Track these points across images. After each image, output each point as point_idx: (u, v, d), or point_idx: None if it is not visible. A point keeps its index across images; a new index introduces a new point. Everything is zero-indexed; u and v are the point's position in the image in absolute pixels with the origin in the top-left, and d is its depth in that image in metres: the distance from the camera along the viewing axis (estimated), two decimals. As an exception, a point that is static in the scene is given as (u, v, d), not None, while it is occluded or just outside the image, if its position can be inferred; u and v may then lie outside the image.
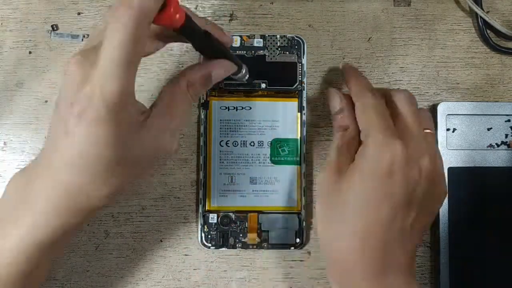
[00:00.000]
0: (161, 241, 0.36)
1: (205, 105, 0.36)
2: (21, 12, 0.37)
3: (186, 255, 0.36)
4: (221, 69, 0.29)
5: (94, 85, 0.22)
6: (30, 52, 0.37)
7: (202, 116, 0.36)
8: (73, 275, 0.36)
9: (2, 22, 0.37)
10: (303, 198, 0.35)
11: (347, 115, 0.32)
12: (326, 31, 0.37)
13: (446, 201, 0.35)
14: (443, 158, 0.35)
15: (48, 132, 0.26)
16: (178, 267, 0.36)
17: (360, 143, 0.31)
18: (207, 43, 0.28)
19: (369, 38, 0.37)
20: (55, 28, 0.37)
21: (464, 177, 0.36)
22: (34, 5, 0.37)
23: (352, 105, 0.32)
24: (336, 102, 0.33)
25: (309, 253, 0.36)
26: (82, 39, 0.37)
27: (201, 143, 0.35)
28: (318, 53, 0.37)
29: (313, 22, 0.37)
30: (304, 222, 0.35)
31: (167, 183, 0.36)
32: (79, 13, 0.37)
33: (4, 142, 0.36)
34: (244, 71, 0.33)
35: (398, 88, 0.34)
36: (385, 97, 0.32)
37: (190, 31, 0.26)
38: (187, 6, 0.37)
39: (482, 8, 0.37)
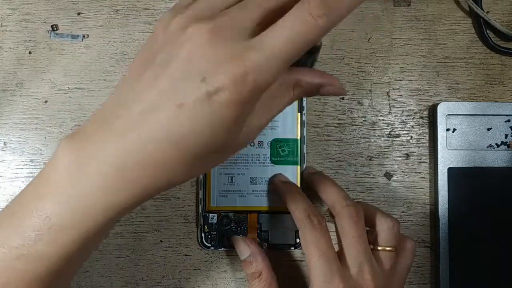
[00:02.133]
0: (161, 241, 0.36)
1: None
2: (21, 12, 0.37)
3: (186, 255, 0.36)
4: (334, 88, 0.25)
5: (248, 71, 0.20)
6: (30, 52, 0.37)
7: None
8: (73, 275, 0.36)
9: (2, 22, 0.37)
10: (303, 198, 0.35)
11: (258, 259, 0.33)
12: (326, 31, 0.37)
13: (446, 201, 0.35)
14: (443, 159, 0.36)
15: (124, 92, 0.23)
16: (178, 267, 0.36)
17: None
18: (315, 57, 0.26)
19: (369, 38, 0.37)
20: (55, 28, 0.37)
21: (464, 177, 0.36)
22: (34, 5, 0.37)
23: (260, 249, 0.33)
24: (244, 249, 0.33)
25: (309, 253, 0.36)
26: (82, 39, 0.37)
27: None
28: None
29: (313, 22, 0.37)
30: None
31: (167, 183, 0.36)
32: (79, 13, 0.37)
33: (4, 142, 0.36)
34: None
35: (383, 216, 0.32)
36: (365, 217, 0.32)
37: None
38: (187, 6, 0.37)
39: (482, 8, 0.37)
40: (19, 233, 0.23)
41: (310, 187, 0.35)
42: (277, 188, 0.34)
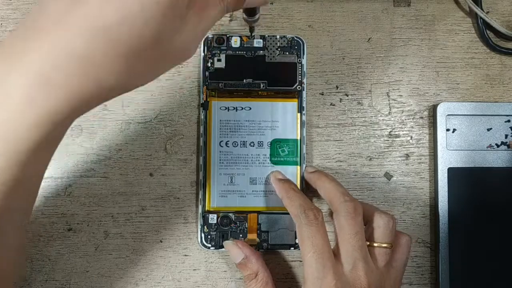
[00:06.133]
0: (160, 241, 0.36)
1: (205, 106, 0.35)
2: (21, 13, 0.37)
3: (185, 255, 0.36)
4: None
5: None
6: (29, 53, 0.37)
7: (202, 117, 0.35)
8: (72, 276, 0.35)
9: (2, 22, 0.37)
10: (303, 199, 0.35)
11: (252, 261, 0.33)
12: (326, 31, 0.37)
13: (446, 201, 0.35)
14: (443, 159, 0.36)
15: None
16: (177, 268, 0.36)
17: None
18: None
19: (369, 38, 0.37)
20: (55, 28, 0.37)
21: (464, 177, 0.36)
22: (33, 6, 0.37)
23: (253, 250, 0.34)
24: (237, 253, 0.34)
25: (309, 253, 0.36)
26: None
27: (201, 144, 0.35)
28: (318, 53, 0.37)
29: (313, 22, 0.37)
30: None
31: (166, 183, 0.36)
32: (78, 13, 0.37)
33: None
34: (259, 14, 0.30)
35: (379, 212, 0.32)
36: (364, 213, 0.32)
37: None
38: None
39: (482, 9, 0.37)
40: None
41: (309, 186, 0.35)
42: (274, 186, 0.35)
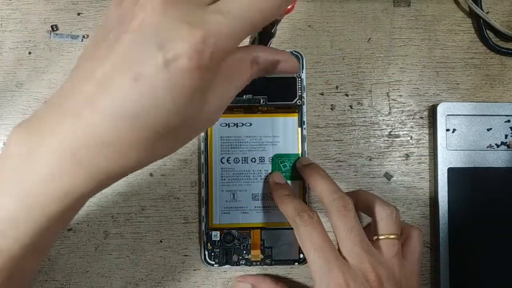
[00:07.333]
0: (160, 241, 0.36)
1: None
2: (21, 13, 0.37)
3: (185, 255, 0.36)
4: (289, 64, 0.25)
5: (209, 34, 0.19)
6: (29, 53, 0.37)
7: (203, 134, 0.35)
8: (72, 276, 0.36)
9: (2, 22, 0.37)
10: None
11: (262, 285, 0.35)
12: (326, 31, 0.37)
13: (446, 201, 0.35)
14: (443, 159, 0.36)
15: (77, 74, 0.21)
16: (177, 268, 0.36)
17: None
18: (272, 34, 0.26)
19: (369, 39, 0.37)
20: (55, 29, 0.37)
21: (464, 177, 0.36)
22: (33, 6, 0.37)
23: (255, 277, 0.35)
24: (243, 287, 0.35)
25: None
26: (82, 40, 0.37)
27: (202, 161, 0.35)
28: (318, 53, 0.37)
29: (313, 22, 0.37)
30: None
31: (167, 183, 0.36)
32: (79, 14, 0.37)
33: (4, 143, 0.36)
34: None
35: (381, 204, 0.32)
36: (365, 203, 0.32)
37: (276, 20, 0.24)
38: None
39: (482, 9, 0.37)
40: None
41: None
42: (270, 189, 0.35)
